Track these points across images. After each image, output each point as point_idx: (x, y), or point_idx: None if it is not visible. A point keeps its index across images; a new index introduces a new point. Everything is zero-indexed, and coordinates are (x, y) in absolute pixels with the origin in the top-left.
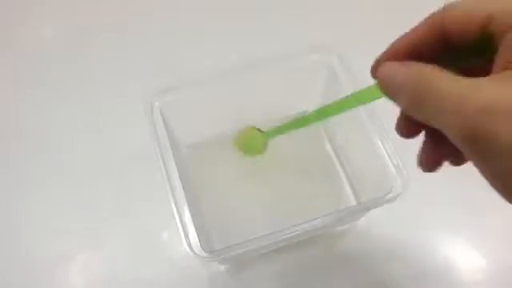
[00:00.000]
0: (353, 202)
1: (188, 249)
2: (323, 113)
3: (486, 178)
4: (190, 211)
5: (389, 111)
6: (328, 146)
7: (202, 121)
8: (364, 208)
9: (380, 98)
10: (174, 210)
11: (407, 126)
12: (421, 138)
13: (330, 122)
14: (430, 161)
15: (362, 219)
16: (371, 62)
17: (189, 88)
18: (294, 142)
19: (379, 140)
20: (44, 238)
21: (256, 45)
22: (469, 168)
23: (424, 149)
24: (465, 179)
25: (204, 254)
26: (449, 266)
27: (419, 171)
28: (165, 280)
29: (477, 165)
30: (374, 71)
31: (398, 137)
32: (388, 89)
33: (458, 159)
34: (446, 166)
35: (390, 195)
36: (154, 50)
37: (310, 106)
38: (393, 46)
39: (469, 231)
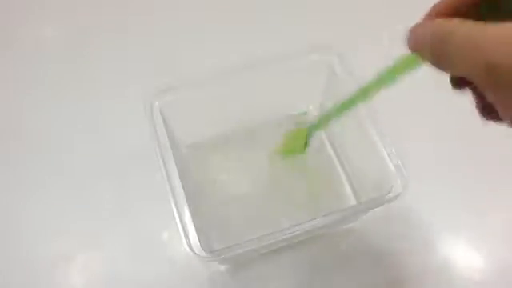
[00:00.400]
0: (353, 201)
1: (188, 249)
2: (364, 92)
3: (501, 112)
4: (190, 211)
5: (389, 111)
6: (328, 146)
7: (202, 121)
8: (364, 208)
9: (415, 65)
10: (174, 209)
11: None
12: (421, 141)
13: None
14: (485, 111)
15: (362, 219)
16: (371, 61)
17: (189, 88)
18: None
19: (379, 140)
20: (44, 238)
21: (256, 45)
22: (469, 168)
23: (476, 102)
24: (465, 179)
25: (204, 254)
26: (449, 266)
27: (419, 171)
28: (165, 280)
29: (494, 99)
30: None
31: (398, 137)
32: (413, 44)
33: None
34: (441, 166)
35: (390, 195)
36: (154, 50)
37: (310, 105)
38: (433, 8)
39: (469, 231)
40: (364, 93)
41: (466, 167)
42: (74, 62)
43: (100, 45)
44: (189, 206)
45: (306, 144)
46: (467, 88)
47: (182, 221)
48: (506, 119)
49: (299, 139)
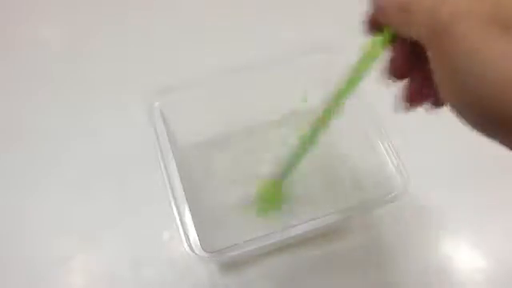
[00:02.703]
0: (353, 202)
1: (188, 249)
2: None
3: (440, 76)
4: (190, 211)
5: (389, 111)
6: (328, 146)
7: (202, 121)
8: (364, 208)
9: (383, 46)
10: (174, 209)
11: (399, 66)
12: (421, 141)
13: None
14: (412, 98)
15: (362, 219)
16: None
17: (189, 88)
18: (294, 142)
19: (379, 140)
20: (44, 237)
21: (256, 45)
22: (469, 168)
23: (408, 86)
24: (465, 179)
25: (204, 254)
26: (449, 266)
27: (419, 171)
28: (165, 280)
29: (436, 62)
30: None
31: (397, 137)
32: (380, 13)
33: (437, 101)
34: (441, 166)
35: (390, 195)
36: (154, 50)
37: (310, 105)
38: None
39: (469, 231)
40: (335, 104)
41: (466, 167)
42: (74, 62)
43: (100, 45)
44: (189, 206)
45: (280, 197)
46: (406, 78)
47: (182, 221)
48: (447, 99)
49: (273, 193)
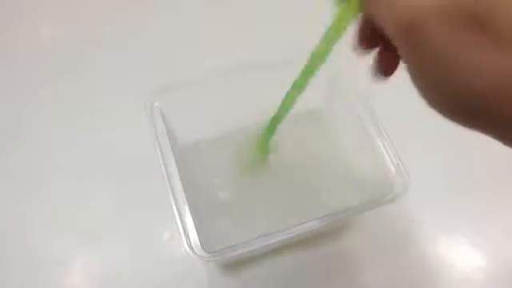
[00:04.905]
0: (353, 202)
1: (188, 249)
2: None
3: (410, 70)
4: (190, 211)
5: (389, 111)
6: (328, 146)
7: (202, 121)
8: (364, 208)
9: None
10: (175, 209)
11: (367, 35)
12: (421, 141)
13: (330, 122)
14: (385, 66)
15: (362, 219)
16: (371, 61)
17: (189, 88)
18: (294, 142)
19: (379, 140)
20: (44, 237)
21: (256, 44)
22: (469, 168)
23: (380, 55)
24: (465, 179)
25: (204, 254)
26: (449, 266)
27: (419, 171)
28: (165, 280)
29: (406, 57)
30: None
31: (397, 137)
32: None
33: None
34: (441, 166)
35: (390, 195)
36: (154, 50)
37: (310, 105)
38: None
39: (469, 231)
40: (312, 66)
41: (466, 167)
42: (74, 62)
43: (100, 45)
44: (189, 206)
45: (266, 147)
46: (373, 48)
47: (182, 221)
48: (416, 80)
49: (260, 144)
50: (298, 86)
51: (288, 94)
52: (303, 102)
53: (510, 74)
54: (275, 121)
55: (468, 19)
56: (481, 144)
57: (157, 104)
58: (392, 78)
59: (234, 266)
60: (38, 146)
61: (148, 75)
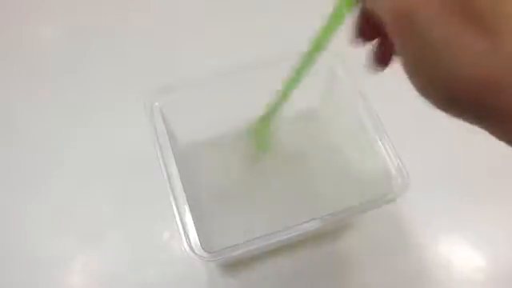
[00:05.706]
0: (353, 202)
1: (188, 249)
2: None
3: (404, 60)
4: (190, 211)
5: (389, 111)
6: (328, 146)
7: (202, 120)
8: (364, 208)
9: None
10: (175, 210)
11: (365, 27)
12: (421, 141)
13: (330, 122)
14: (381, 58)
15: (362, 219)
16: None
17: (189, 88)
18: (294, 142)
19: (379, 140)
20: (44, 237)
21: (256, 44)
22: (469, 168)
23: (377, 47)
24: (465, 179)
25: (204, 254)
26: (449, 266)
27: (419, 171)
28: (165, 280)
29: (399, 48)
30: None
31: (397, 137)
32: None
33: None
34: (441, 166)
35: (390, 195)
36: (154, 50)
37: (310, 105)
38: None
39: (469, 231)
40: (313, 51)
41: (466, 167)
42: (74, 62)
43: (100, 45)
44: (189, 206)
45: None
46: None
47: (182, 221)
48: (409, 68)
49: (262, 132)
50: (298, 74)
51: (287, 83)
52: (302, 102)
53: (500, 64)
54: (272, 109)
55: (461, 8)
56: (481, 144)
57: (157, 104)
58: (391, 77)
59: (233, 265)
60: (38, 145)
61: (148, 75)
